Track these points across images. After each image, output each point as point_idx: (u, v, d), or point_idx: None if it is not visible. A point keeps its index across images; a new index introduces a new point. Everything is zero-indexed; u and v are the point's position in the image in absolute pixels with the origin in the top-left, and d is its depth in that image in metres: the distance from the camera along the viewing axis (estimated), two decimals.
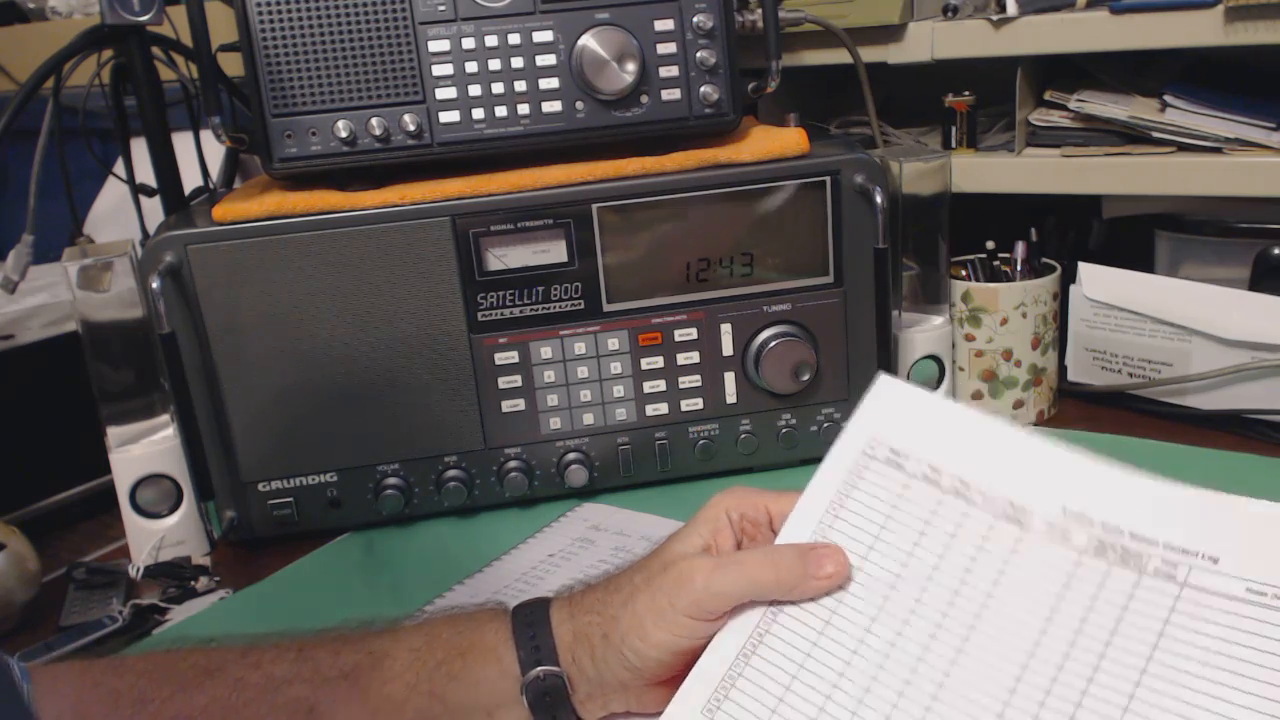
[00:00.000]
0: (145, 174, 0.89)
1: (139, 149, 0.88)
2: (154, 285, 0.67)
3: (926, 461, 0.49)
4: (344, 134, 0.70)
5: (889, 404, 0.52)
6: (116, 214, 1.17)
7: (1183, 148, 0.83)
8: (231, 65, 0.74)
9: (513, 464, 0.76)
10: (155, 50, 0.85)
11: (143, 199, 0.92)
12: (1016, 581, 0.45)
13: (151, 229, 0.84)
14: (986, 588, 0.45)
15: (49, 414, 0.84)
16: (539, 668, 0.48)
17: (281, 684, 0.46)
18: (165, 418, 0.76)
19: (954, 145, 0.93)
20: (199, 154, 0.94)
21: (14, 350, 0.83)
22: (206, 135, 0.88)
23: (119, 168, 0.93)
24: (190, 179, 0.90)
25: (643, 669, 0.48)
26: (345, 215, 0.70)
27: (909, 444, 0.50)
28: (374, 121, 0.70)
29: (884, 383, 0.53)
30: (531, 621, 0.49)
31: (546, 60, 0.70)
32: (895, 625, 0.46)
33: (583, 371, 0.75)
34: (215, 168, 0.95)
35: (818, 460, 0.52)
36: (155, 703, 0.45)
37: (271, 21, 0.68)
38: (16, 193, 0.75)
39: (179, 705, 0.45)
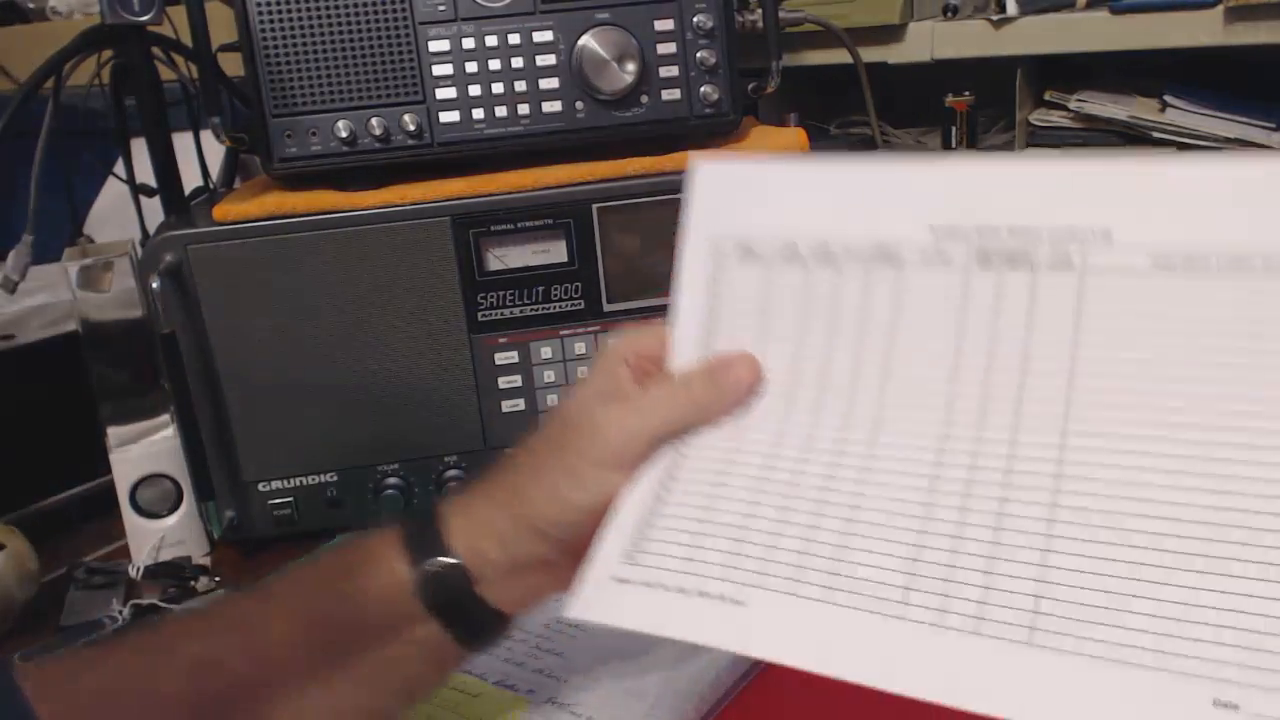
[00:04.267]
0: (145, 174, 0.88)
1: (139, 149, 0.88)
2: (154, 285, 0.67)
3: (779, 240, 0.44)
4: (344, 134, 0.70)
5: (714, 191, 0.46)
6: (116, 214, 1.17)
7: (1183, 148, 0.83)
8: (231, 65, 0.74)
9: None
10: (155, 50, 0.84)
11: (143, 199, 0.92)
12: (911, 326, 0.41)
13: (151, 229, 0.83)
14: (883, 346, 0.41)
15: (49, 414, 0.84)
16: (433, 560, 0.43)
17: (179, 640, 0.43)
18: (165, 418, 0.76)
19: (954, 145, 0.93)
20: (199, 154, 0.94)
21: (14, 350, 0.83)
22: (206, 135, 0.88)
23: (119, 168, 0.93)
24: (190, 179, 0.90)
25: (563, 539, 0.43)
26: (345, 215, 0.70)
27: (753, 229, 0.45)
28: (374, 121, 0.70)
29: (702, 170, 0.46)
30: (422, 522, 0.44)
31: (546, 60, 0.70)
32: (807, 419, 0.42)
33: (583, 371, 0.75)
34: (215, 168, 0.95)
35: None
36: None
37: (271, 21, 0.68)
38: (16, 193, 0.75)
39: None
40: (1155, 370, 0.36)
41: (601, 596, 0.41)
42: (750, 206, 0.45)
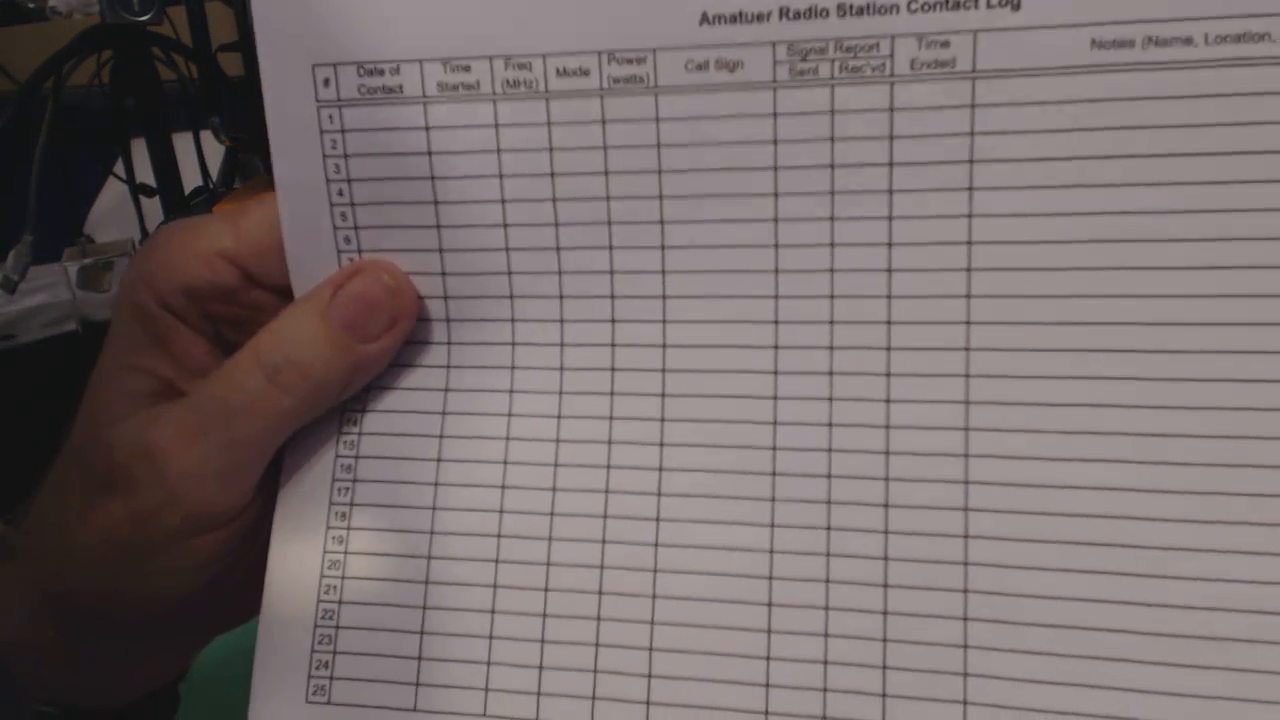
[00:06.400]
0: (145, 174, 0.89)
1: (139, 149, 0.88)
2: None
3: (426, 52, 0.24)
4: None
5: None
6: (116, 214, 1.17)
7: None
8: (231, 65, 0.74)
9: None
10: (155, 50, 0.85)
11: (143, 199, 0.92)
12: (688, 189, 0.23)
13: (151, 229, 0.84)
14: (649, 236, 0.23)
15: (49, 414, 0.84)
16: None
17: None
18: None
19: None
20: (199, 154, 0.94)
21: (14, 350, 0.83)
22: (206, 135, 0.88)
23: (119, 168, 0.93)
24: (190, 179, 0.90)
25: (165, 626, 0.26)
26: None
27: (374, 31, 0.24)
28: None
29: None
30: None
31: None
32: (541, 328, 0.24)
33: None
34: (215, 168, 0.95)
35: None
36: None
37: None
38: (16, 193, 0.75)
39: None
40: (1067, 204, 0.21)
41: None
42: None
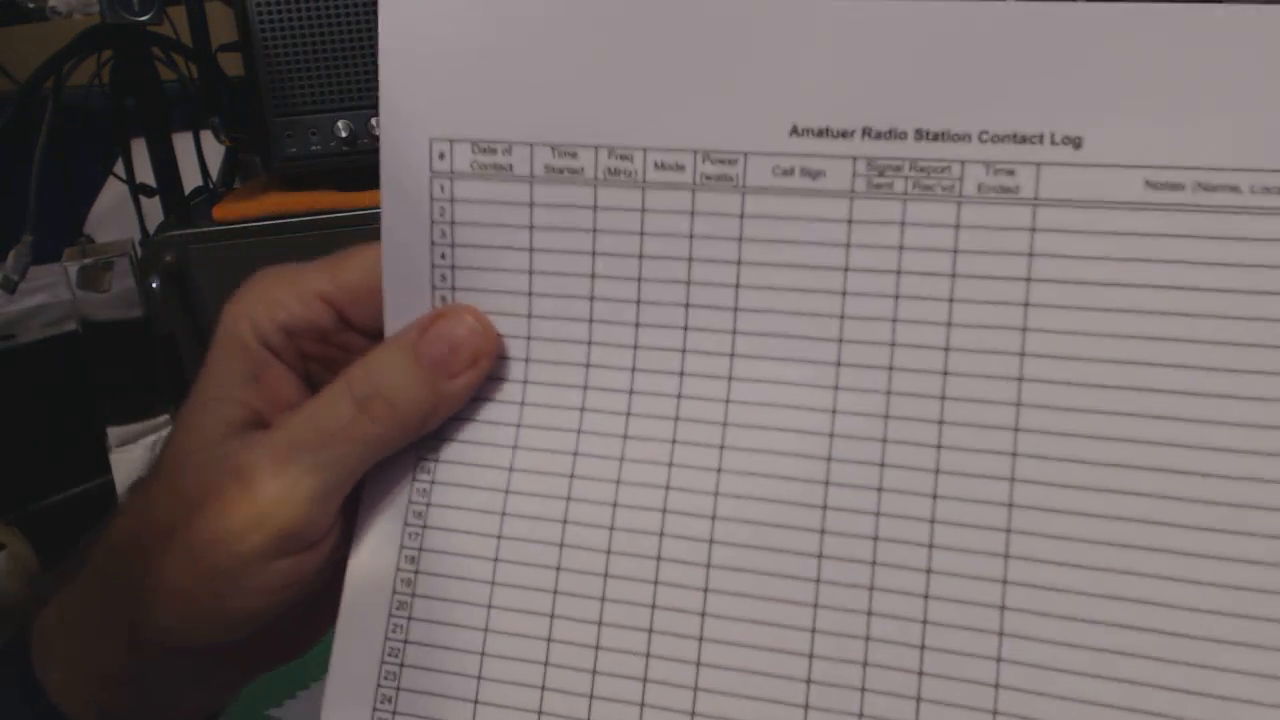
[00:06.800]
0: (145, 174, 0.89)
1: (139, 149, 0.88)
2: (154, 285, 0.67)
3: (537, 136, 0.27)
4: (344, 134, 0.70)
5: (417, 44, 0.27)
6: (116, 214, 1.17)
7: None
8: (231, 65, 0.74)
9: None
10: (155, 50, 0.84)
11: (143, 199, 0.92)
12: (765, 281, 0.26)
13: (151, 229, 0.83)
14: (723, 318, 0.26)
15: (49, 414, 0.84)
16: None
17: None
18: (165, 418, 0.76)
19: None
20: (199, 154, 0.94)
21: (14, 350, 0.83)
22: (206, 135, 0.88)
23: (119, 168, 0.93)
24: (190, 179, 0.90)
25: (233, 654, 0.28)
26: (345, 215, 0.70)
27: (491, 114, 0.27)
28: (374, 121, 0.70)
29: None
30: (14, 651, 0.29)
31: None
32: (610, 420, 0.27)
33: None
34: (215, 168, 0.95)
35: None
36: None
37: (271, 21, 0.68)
38: (16, 193, 0.75)
39: None
40: (1157, 371, 0.23)
41: None
42: (487, 82, 0.27)
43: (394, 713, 0.27)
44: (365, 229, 0.70)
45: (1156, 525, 0.23)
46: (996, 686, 0.24)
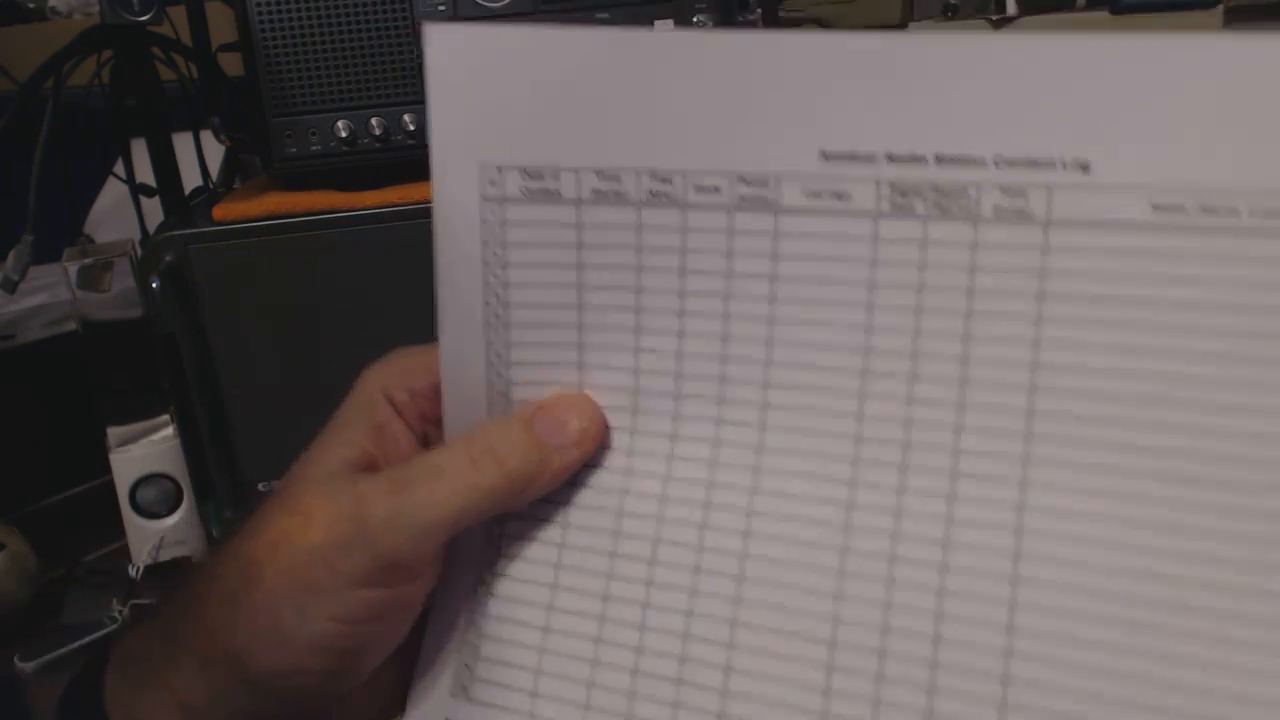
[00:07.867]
0: (145, 174, 0.89)
1: (139, 149, 0.88)
2: (154, 285, 0.67)
3: (583, 161, 0.29)
4: (344, 134, 0.70)
5: (468, 80, 0.29)
6: (116, 214, 1.17)
7: None
8: (231, 65, 0.74)
9: None
10: (155, 50, 0.84)
11: (143, 199, 0.92)
12: (798, 295, 0.28)
13: (151, 229, 0.83)
14: (759, 328, 0.28)
15: (49, 414, 0.84)
16: None
17: None
18: (165, 418, 0.76)
19: None
20: (199, 154, 0.94)
21: (14, 350, 0.83)
22: (206, 135, 0.88)
23: (119, 168, 0.93)
24: (190, 179, 0.90)
25: (295, 691, 0.28)
26: (345, 215, 0.70)
27: (539, 141, 0.29)
28: (374, 121, 0.70)
29: (435, 32, 0.29)
30: (80, 687, 0.30)
31: None
32: (656, 467, 0.30)
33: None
34: (215, 168, 0.95)
35: None
36: None
37: (271, 21, 0.68)
38: (16, 193, 0.75)
39: None
40: (1169, 389, 0.24)
41: None
42: (529, 97, 0.29)
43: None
44: (365, 229, 0.70)
45: (1172, 532, 0.24)
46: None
